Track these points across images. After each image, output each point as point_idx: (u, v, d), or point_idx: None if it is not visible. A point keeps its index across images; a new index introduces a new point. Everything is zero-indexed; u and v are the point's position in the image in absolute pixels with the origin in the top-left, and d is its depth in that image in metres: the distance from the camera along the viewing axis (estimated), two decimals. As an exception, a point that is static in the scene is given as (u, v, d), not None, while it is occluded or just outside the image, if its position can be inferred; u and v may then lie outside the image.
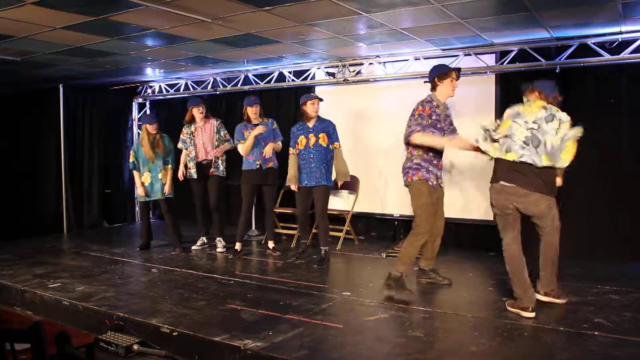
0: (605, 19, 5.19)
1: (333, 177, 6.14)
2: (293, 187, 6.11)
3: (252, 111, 6.37)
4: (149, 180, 6.81)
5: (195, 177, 6.78)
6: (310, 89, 7.95)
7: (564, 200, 6.24)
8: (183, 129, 6.88)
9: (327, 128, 6.02)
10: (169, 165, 6.84)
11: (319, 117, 6.04)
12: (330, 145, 6.02)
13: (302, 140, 6.02)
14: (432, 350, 3.40)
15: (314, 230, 6.64)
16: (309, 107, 5.95)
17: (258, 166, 6.35)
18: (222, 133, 6.81)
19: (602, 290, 4.78)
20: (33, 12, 4.69)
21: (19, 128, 8.93)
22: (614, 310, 4.17)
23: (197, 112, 6.75)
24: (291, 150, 6.11)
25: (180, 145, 6.87)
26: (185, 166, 6.85)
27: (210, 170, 6.73)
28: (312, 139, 5.97)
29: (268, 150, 6.31)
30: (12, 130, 8.78)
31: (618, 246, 5.95)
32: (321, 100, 6.04)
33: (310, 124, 6.01)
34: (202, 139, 6.78)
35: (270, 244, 6.65)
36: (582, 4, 4.73)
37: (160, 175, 6.80)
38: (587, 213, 6.13)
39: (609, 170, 6.03)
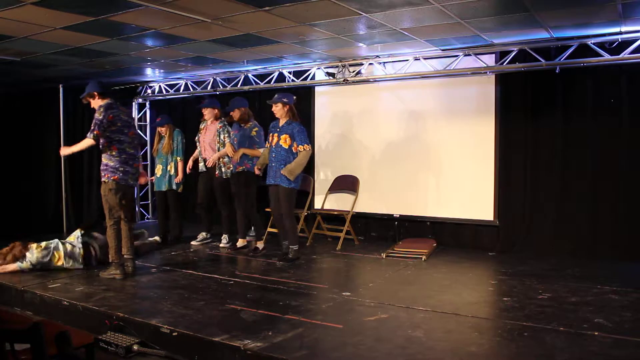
0: (605, 19, 5.19)
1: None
2: (257, 172, 6.40)
3: (233, 114, 6.65)
4: (160, 173, 7.32)
5: (205, 170, 7.13)
6: (310, 89, 7.96)
7: (564, 200, 6.27)
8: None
9: (292, 130, 5.95)
10: (178, 157, 7.27)
11: (291, 119, 6.00)
12: (292, 148, 5.94)
13: (270, 137, 6.12)
14: (432, 351, 3.40)
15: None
16: (272, 108, 6.05)
17: (230, 169, 6.75)
18: (221, 136, 6.93)
19: (602, 290, 4.78)
20: (33, 13, 4.69)
21: (19, 128, 8.92)
22: (614, 311, 4.16)
23: (204, 112, 7.09)
24: (266, 144, 6.25)
25: (196, 138, 7.33)
26: (197, 160, 7.27)
27: (216, 173, 6.96)
28: (275, 139, 6.02)
29: (236, 156, 6.48)
30: (12, 130, 8.77)
31: (618, 246, 5.95)
32: (284, 105, 5.95)
33: (280, 124, 6.06)
34: (205, 137, 7.11)
35: (259, 244, 6.74)
36: (582, 4, 4.72)
37: (168, 168, 7.27)
38: (587, 213, 6.14)
39: (608, 170, 6.03)
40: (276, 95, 6.08)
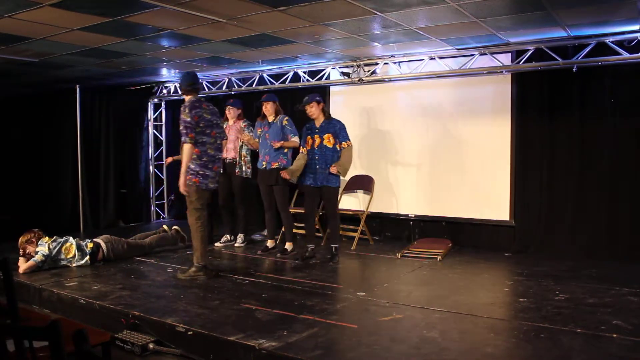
0: (623, 17, 5.12)
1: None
2: (284, 175, 6.09)
3: (263, 108, 6.53)
4: None
5: (223, 170, 6.98)
6: (324, 89, 7.95)
7: (581, 200, 6.19)
8: None
9: (334, 128, 5.98)
10: None
11: (329, 118, 6.05)
12: (337, 146, 5.99)
13: (309, 140, 6.07)
14: (448, 351, 3.38)
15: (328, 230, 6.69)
16: (307, 110, 6.02)
17: (264, 166, 6.49)
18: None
19: (620, 292, 4.72)
20: (51, 14, 4.74)
21: (37, 128, 9.03)
22: (633, 313, 4.11)
23: (227, 112, 7.06)
24: (302, 150, 6.17)
25: None
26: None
27: (236, 171, 6.93)
28: (317, 140, 5.99)
29: (276, 145, 6.26)
30: (31, 130, 8.87)
31: (636, 247, 5.86)
32: (319, 103, 6.00)
33: (317, 124, 6.05)
34: (229, 137, 6.96)
35: (288, 246, 6.55)
36: (601, 2, 4.66)
37: None
38: (604, 213, 6.06)
39: (628, 170, 5.94)
40: (307, 97, 6.05)
